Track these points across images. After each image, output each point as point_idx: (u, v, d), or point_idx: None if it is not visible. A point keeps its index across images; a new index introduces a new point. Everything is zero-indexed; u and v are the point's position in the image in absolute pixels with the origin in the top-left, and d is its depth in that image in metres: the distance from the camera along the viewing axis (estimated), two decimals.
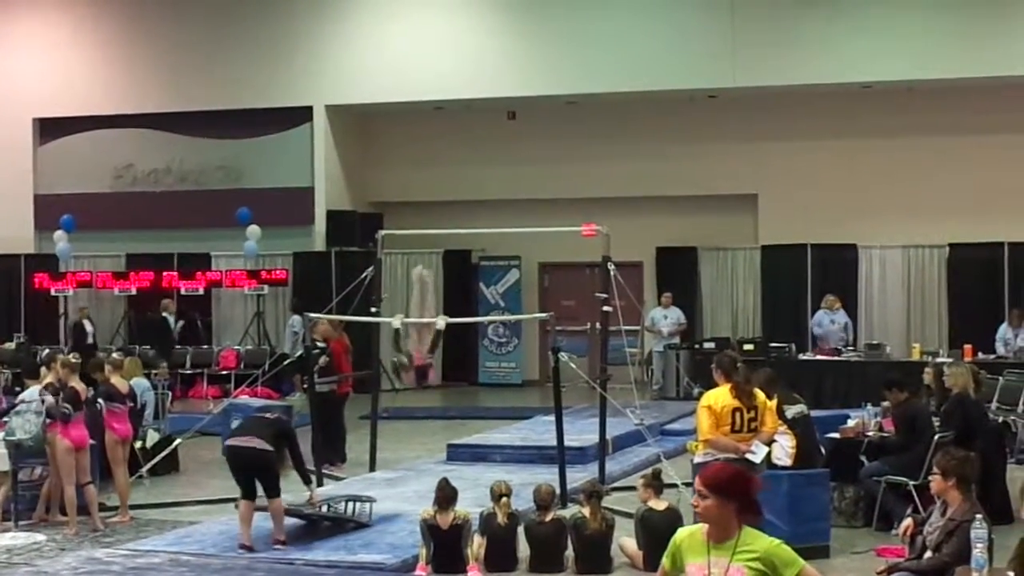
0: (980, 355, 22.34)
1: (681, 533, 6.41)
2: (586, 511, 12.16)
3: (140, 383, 17.78)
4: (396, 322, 16.02)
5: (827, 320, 25.20)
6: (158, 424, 18.50)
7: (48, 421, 14.05)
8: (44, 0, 30.07)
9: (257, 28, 28.59)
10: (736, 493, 6.18)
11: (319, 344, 17.88)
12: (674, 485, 12.81)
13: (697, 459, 11.67)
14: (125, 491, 14.82)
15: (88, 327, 27.48)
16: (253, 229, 27.56)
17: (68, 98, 29.62)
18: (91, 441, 14.40)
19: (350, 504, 13.44)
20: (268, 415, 13.07)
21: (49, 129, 30.25)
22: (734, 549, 6.11)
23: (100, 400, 14.84)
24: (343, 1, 28.44)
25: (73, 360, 15.20)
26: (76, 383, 14.58)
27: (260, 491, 12.51)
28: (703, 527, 6.22)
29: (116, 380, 15.13)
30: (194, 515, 14.53)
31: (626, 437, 18.05)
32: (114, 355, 17.03)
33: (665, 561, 6.45)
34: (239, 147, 29.16)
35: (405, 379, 16.48)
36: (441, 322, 15.62)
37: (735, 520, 6.15)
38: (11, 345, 27.59)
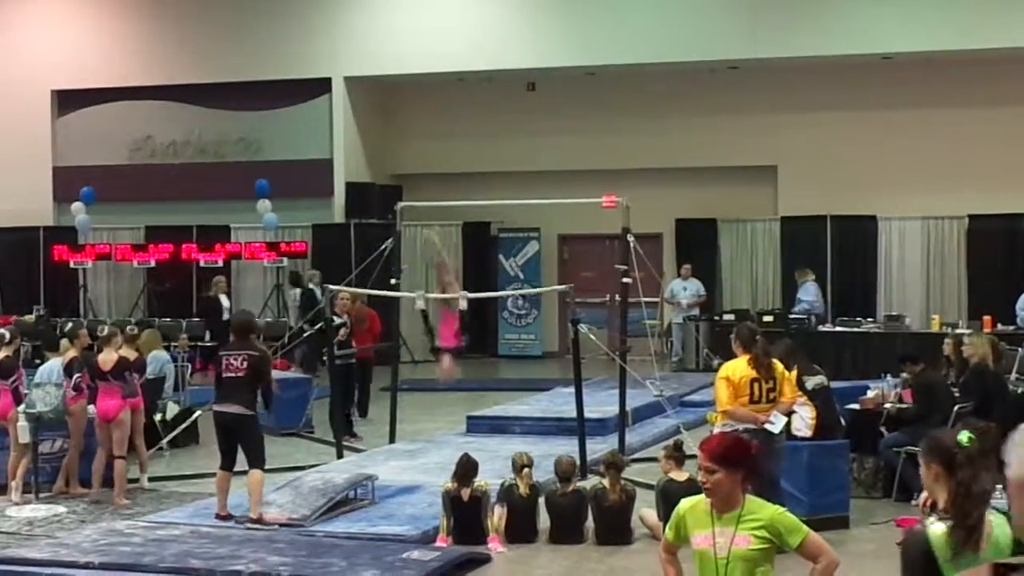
0: (1000, 326, 22.29)
1: (684, 504, 6.41)
2: (606, 482, 12.18)
3: (159, 356, 17.85)
4: (420, 302, 15.88)
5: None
6: (178, 396, 18.55)
7: (72, 393, 14.12)
8: None
9: None
10: (742, 462, 6.19)
11: (335, 317, 17.88)
12: (695, 456, 12.80)
13: (716, 430, 11.67)
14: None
15: (225, 301, 26.39)
16: (264, 203, 27.47)
17: (86, 70, 29.60)
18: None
19: (350, 493, 13.36)
20: (240, 373, 12.81)
21: (67, 101, 30.26)
22: (738, 519, 6.12)
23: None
24: None
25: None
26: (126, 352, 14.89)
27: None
28: (706, 498, 6.22)
29: (125, 352, 15.10)
30: (214, 487, 14.59)
31: (645, 409, 18.05)
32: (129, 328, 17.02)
33: (668, 532, 6.46)
34: (258, 119, 29.13)
35: (440, 373, 16.19)
36: (463, 302, 15.55)
37: (740, 489, 6.16)
38: (31, 317, 27.62)
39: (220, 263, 28.33)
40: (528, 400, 20.53)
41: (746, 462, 6.20)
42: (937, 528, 5.10)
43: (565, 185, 26.32)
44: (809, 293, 25.24)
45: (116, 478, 14.18)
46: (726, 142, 27.45)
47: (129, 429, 14.40)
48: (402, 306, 18.31)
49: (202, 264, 28.38)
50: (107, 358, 14.50)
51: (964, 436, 5.39)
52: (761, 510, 6.17)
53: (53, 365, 14.56)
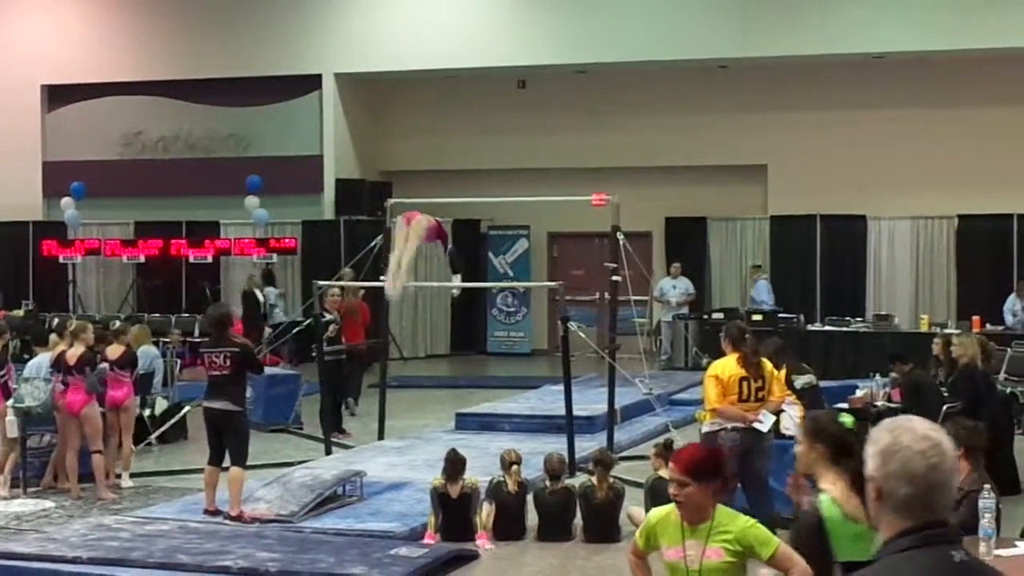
0: (988, 326, 22.31)
1: (655, 514, 6.41)
2: (594, 480, 12.20)
3: (148, 351, 17.84)
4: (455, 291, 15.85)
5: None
6: (167, 391, 18.55)
7: (61, 388, 14.11)
8: None
9: None
10: (714, 474, 6.18)
11: (324, 313, 17.88)
12: None
13: (705, 428, 11.73)
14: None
15: (260, 296, 26.52)
16: (251, 200, 27.43)
17: (77, 65, 29.54)
18: (101, 409, 14.45)
19: (338, 489, 13.35)
20: (225, 371, 12.84)
21: (58, 96, 30.20)
22: (709, 531, 6.10)
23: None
24: None
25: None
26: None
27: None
28: (676, 510, 6.20)
29: (117, 347, 15.13)
30: (202, 483, 14.59)
31: (634, 407, 18.07)
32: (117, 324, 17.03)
33: (639, 539, 6.46)
34: (248, 115, 29.10)
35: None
36: (455, 290, 15.53)
37: (711, 502, 6.15)
38: (20, 312, 27.59)
39: (209, 259, 28.32)
40: (517, 397, 20.53)
41: (718, 475, 6.19)
42: (829, 501, 5.58)
43: (555, 183, 26.30)
44: (761, 292, 25.40)
45: (95, 473, 14.16)
46: (716, 141, 27.46)
47: (99, 423, 14.31)
48: (391, 303, 18.28)
49: (191, 260, 28.36)
50: (74, 352, 14.38)
51: (848, 419, 6.14)
52: (732, 523, 6.16)
53: (42, 360, 14.55)
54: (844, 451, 5.83)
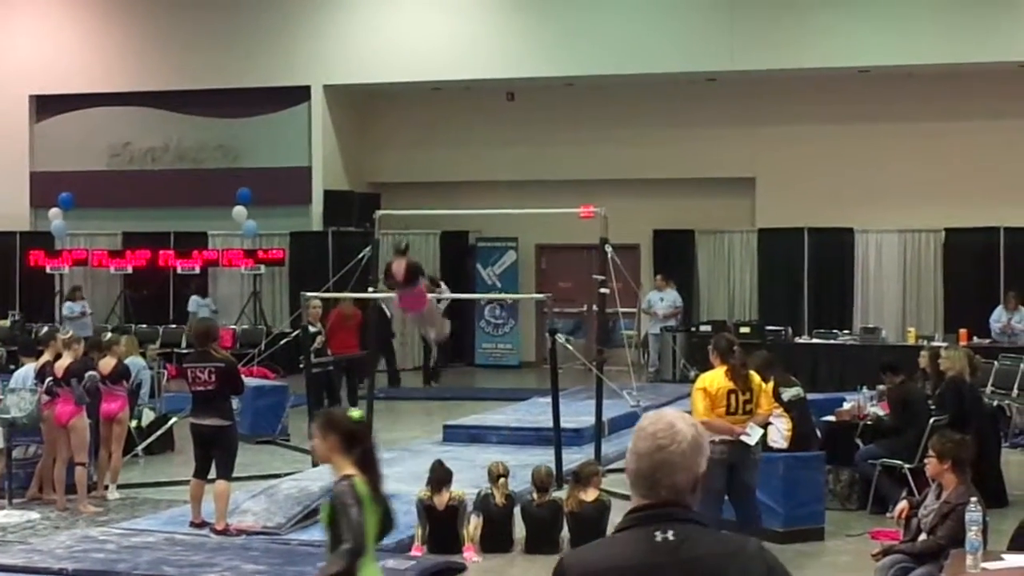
0: (975, 339, 22.36)
1: None
2: (576, 492, 12.19)
3: (136, 362, 17.80)
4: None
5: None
6: (153, 403, 18.51)
7: (46, 399, 14.07)
8: None
9: (256, 7, 28.48)
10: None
11: (308, 325, 17.88)
12: None
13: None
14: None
15: (388, 312, 25.14)
16: (240, 211, 27.38)
17: (65, 75, 29.51)
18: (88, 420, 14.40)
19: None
20: (211, 387, 12.82)
21: (46, 106, 30.15)
22: None
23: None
24: None
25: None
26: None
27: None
28: None
29: (110, 360, 15.11)
30: (188, 495, 14.56)
31: (622, 419, 18.02)
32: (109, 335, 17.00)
33: None
34: (237, 126, 29.07)
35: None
36: (443, 301, 15.50)
37: None
38: (6, 323, 27.57)
39: (197, 270, 28.28)
40: (505, 410, 20.51)
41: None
42: (360, 482, 6.53)
43: (543, 195, 26.27)
44: (661, 304, 25.81)
45: (78, 485, 14.11)
46: (704, 154, 27.49)
47: (86, 435, 14.25)
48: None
49: (179, 271, 28.32)
50: (61, 363, 14.36)
51: (356, 412, 7.02)
52: None
53: (28, 370, 14.52)
54: (354, 440, 6.67)
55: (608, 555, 3.91)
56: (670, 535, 3.85)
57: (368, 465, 6.65)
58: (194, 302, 27.39)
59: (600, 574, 3.88)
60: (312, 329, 17.88)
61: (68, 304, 26.97)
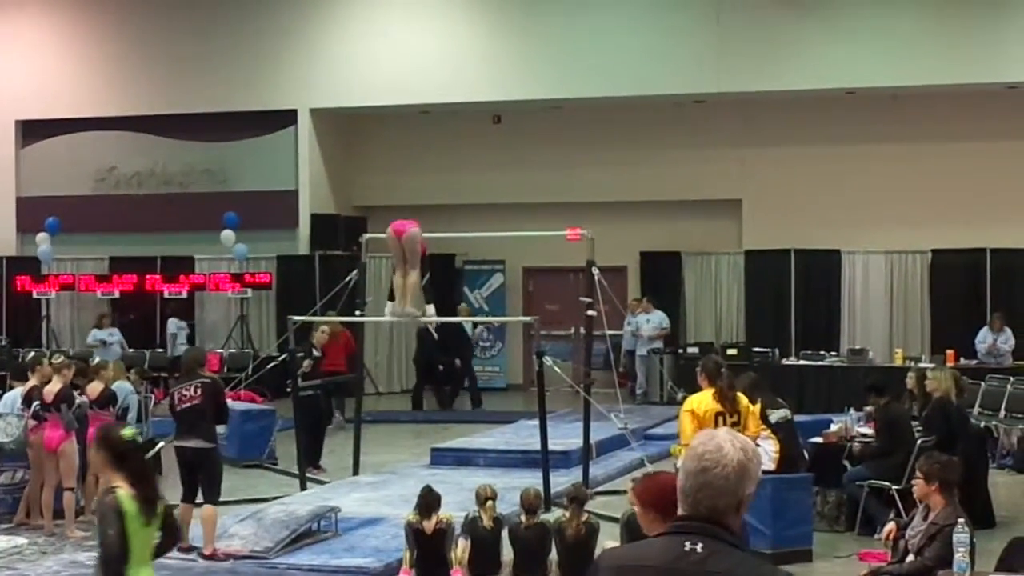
0: (962, 360, 22.42)
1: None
2: (568, 515, 12.17)
3: (123, 387, 17.73)
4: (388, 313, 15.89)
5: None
6: (141, 427, 18.44)
7: (33, 424, 14.03)
8: (28, 1, 29.97)
9: (242, 31, 28.51)
10: (674, 507, 6.15)
11: (312, 349, 17.91)
12: None
13: (680, 463, 11.68)
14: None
15: (435, 334, 25.28)
16: (228, 235, 27.36)
17: (51, 100, 29.49)
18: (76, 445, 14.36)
19: (313, 525, 13.30)
20: (196, 402, 12.84)
21: (32, 131, 30.12)
22: None
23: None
24: (328, 4, 28.39)
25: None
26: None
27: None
28: None
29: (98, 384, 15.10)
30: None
31: (610, 441, 18.05)
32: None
33: None
34: (223, 150, 29.07)
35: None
36: (432, 324, 15.45)
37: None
38: None
39: (184, 294, 28.24)
40: (492, 432, 20.48)
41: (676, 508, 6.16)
42: (126, 496, 6.71)
43: (530, 218, 26.28)
44: (648, 325, 25.98)
45: (65, 510, 14.08)
46: (691, 176, 27.55)
47: (75, 460, 14.19)
48: (367, 338, 18.28)
49: (166, 295, 28.28)
50: (51, 388, 14.35)
51: (129, 431, 7.22)
52: None
53: (15, 395, 14.49)
54: (123, 457, 6.94)
55: (639, 554, 4.25)
56: (699, 547, 4.06)
57: (139, 480, 6.90)
58: (173, 323, 27.48)
59: (626, 567, 4.19)
60: (316, 354, 17.91)
61: (94, 332, 26.87)
